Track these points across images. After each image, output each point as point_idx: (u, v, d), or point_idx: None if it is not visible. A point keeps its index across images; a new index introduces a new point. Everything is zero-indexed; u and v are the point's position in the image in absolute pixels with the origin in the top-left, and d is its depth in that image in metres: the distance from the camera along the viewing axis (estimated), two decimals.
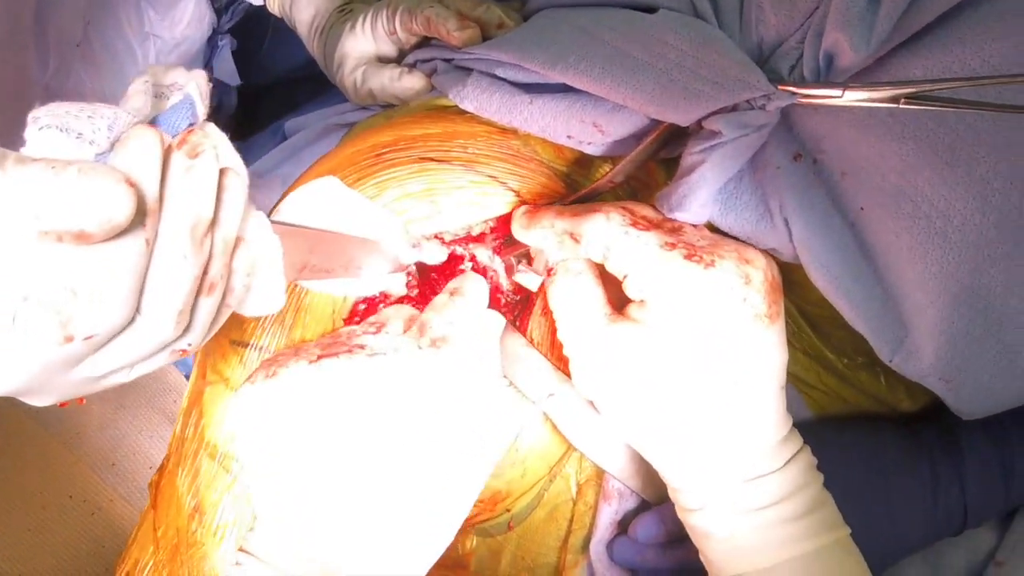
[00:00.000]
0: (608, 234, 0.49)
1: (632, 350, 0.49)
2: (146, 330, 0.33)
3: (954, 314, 0.46)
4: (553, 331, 0.57)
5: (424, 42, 0.72)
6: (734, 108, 0.46)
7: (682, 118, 0.48)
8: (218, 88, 1.00)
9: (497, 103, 0.56)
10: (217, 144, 0.37)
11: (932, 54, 0.42)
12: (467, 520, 0.62)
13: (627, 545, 0.59)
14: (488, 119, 0.59)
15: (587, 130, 0.54)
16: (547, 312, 0.57)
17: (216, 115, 1.01)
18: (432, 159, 0.56)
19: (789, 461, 0.50)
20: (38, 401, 0.35)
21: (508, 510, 0.62)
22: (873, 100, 0.41)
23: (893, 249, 0.47)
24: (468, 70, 0.60)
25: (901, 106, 0.40)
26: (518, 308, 0.59)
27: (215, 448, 0.55)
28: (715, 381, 0.48)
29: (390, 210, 0.54)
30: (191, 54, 0.89)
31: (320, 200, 0.53)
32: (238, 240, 0.36)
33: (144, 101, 0.34)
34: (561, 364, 0.57)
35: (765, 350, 0.49)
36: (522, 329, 0.58)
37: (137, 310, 0.32)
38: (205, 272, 0.34)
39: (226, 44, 0.94)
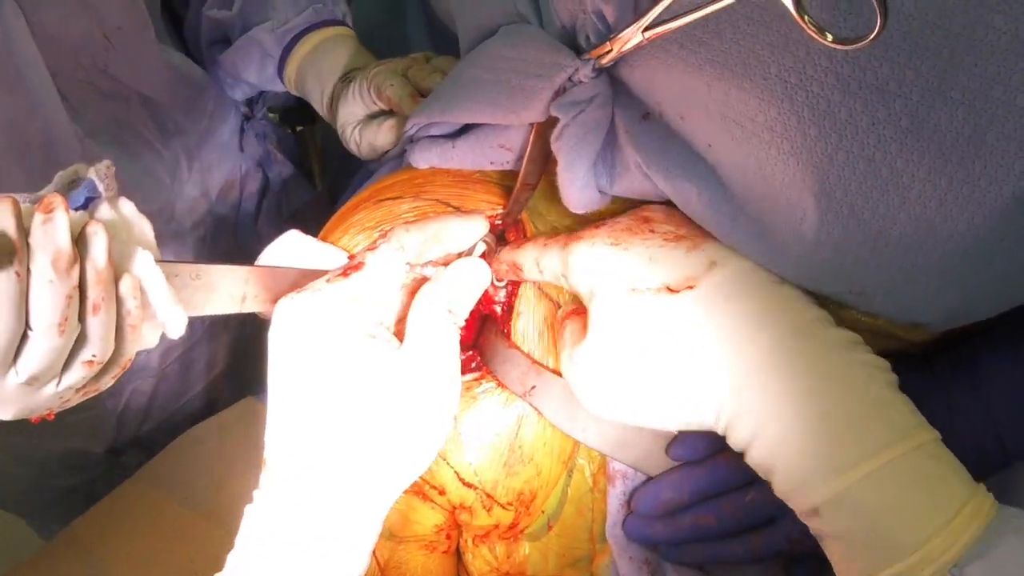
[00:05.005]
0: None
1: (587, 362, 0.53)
2: (37, 340, 0.44)
3: (824, 227, 0.44)
4: (535, 326, 0.61)
5: None
6: (564, 92, 0.50)
7: (533, 116, 0.52)
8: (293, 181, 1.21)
9: (436, 155, 0.63)
10: (125, 210, 0.49)
11: None
12: (512, 528, 0.67)
13: (635, 521, 0.59)
14: None
15: (499, 152, 0.59)
16: (526, 310, 0.62)
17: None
18: (388, 198, 0.64)
19: None
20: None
21: (543, 511, 0.65)
22: (635, 43, 0.44)
23: (749, 177, 0.46)
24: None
25: (647, 37, 0.42)
26: (503, 310, 0.64)
27: None
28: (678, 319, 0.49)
29: (340, 247, 0.62)
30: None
31: (284, 251, 0.62)
32: (122, 272, 0.47)
33: (49, 189, 0.48)
34: (547, 356, 0.61)
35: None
36: (505, 330, 0.63)
37: (29, 326, 0.44)
38: (87, 297, 0.45)
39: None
